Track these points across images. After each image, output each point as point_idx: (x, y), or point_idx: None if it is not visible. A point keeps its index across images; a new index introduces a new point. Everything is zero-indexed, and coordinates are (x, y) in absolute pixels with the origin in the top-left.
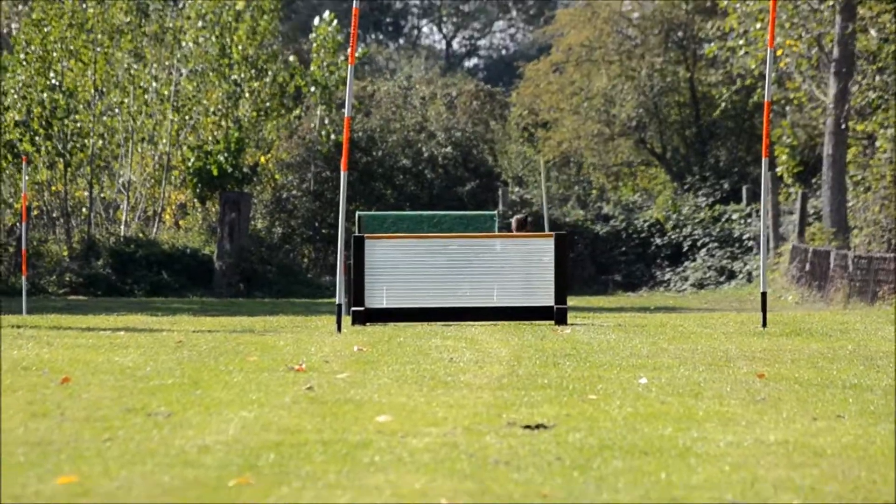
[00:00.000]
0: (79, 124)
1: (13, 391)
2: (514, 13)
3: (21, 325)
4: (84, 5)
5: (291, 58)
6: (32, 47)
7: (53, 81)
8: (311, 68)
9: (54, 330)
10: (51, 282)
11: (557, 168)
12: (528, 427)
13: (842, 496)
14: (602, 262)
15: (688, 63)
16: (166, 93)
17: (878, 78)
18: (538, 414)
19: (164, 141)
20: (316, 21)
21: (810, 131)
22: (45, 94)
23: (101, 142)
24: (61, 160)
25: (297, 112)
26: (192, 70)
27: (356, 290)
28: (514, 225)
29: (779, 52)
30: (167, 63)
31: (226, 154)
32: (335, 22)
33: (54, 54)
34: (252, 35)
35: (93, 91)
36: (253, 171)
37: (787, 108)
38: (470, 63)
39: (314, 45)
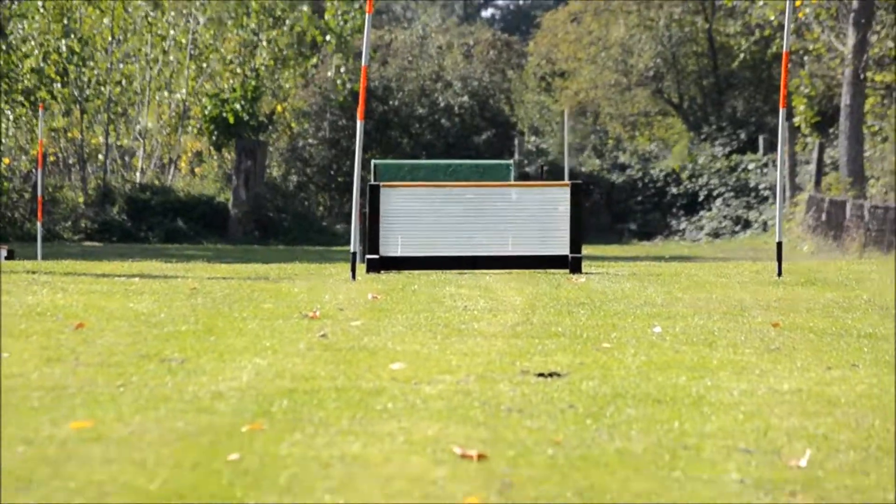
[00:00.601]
0: (95, 71)
1: (27, 336)
2: None
3: (36, 270)
4: None
5: (305, 8)
6: None
7: (70, 27)
8: (326, 17)
9: (69, 276)
10: (66, 228)
11: (574, 118)
12: (541, 375)
13: (855, 444)
14: (618, 212)
15: (706, 13)
16: (184, 41)
17: None
18: (552, 362)
19: (182, 90)
20: None
21: (828, 81)
22: (62, 42)
23: (118, 89)
24: (77, 107)
25: (314, 61)
26: (209, 18)
27: (371, 238)
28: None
29: (798, 3)
30: (185, 11)
31: (242, 102)
32: None
33: (73, 1)
34: None
35: (110, 38)
36: (269, 119)
37: (806, 58)
38: (487, 13)
39: None
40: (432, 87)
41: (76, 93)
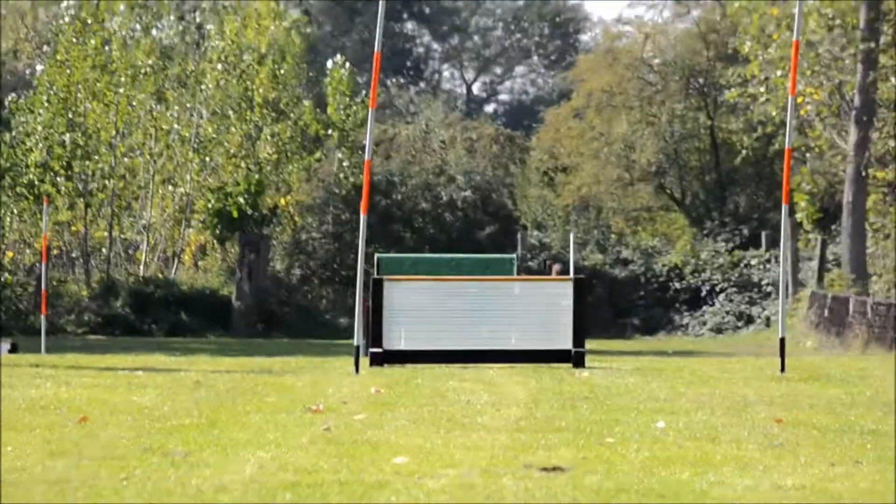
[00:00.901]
0: (100, 165)
1: (31, 430)
2: (535, 58)
3: (39, 364)
4: (108, 47)
5: (306, 103)
6: (55, 88)
7: (74, 121)
8: (328, 111)
9: (72, 369)
10: (70, 321)
11: (577, 212)
12: (544, 470)
13: None
14: (620, 306)
15: (708, 109)
16: (187, 134)
17: None
18: (555, 457)
19: (186, 182)
20: (329, 64)
21: (830, 178)
22: (66, 136)
23: (122, 183)
24: (82, 200)
25: (317, 155)
26: (213, 112)
27: (374, 331)
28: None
29: (800, 100)
30: (188, 105)
31: (246, 196)
32: (347, 64)
33: (77, 95)
34: (273, 79)
35: (114, 132)
36: (272, 213)
37: (808, 155)
38: (490, 108)
39: (329, 88)
40: (435, 182)
41: (80, 186)
